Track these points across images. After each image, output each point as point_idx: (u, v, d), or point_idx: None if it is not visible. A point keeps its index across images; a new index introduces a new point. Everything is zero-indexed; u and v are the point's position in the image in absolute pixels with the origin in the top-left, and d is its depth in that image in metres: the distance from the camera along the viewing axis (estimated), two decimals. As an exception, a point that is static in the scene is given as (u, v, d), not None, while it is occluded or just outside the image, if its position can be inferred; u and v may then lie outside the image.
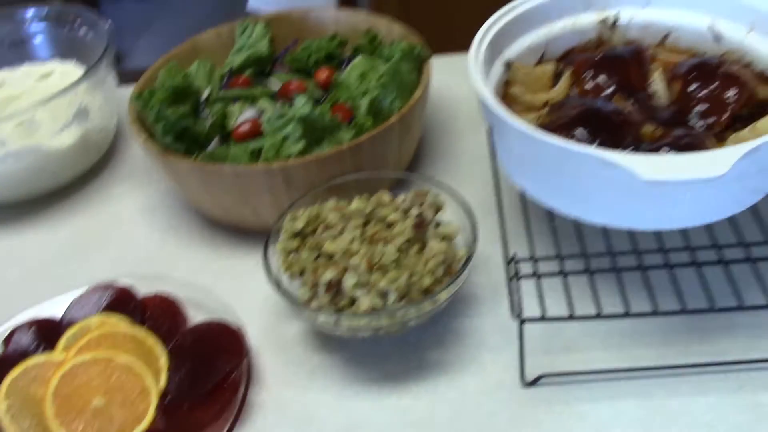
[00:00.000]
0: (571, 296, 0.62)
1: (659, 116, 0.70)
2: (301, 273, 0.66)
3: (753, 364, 0.63)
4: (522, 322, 0.60)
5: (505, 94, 0.74)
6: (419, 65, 0.84)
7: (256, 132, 0.80)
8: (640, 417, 0.61)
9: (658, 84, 0.73)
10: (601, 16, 0.78)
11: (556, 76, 0.76)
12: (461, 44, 0.70)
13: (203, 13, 2.80)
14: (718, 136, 0.68)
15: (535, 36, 0.77)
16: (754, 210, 0.65)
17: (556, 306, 0.62)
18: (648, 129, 0.68)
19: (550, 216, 0.68)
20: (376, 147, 0.76)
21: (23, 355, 0.65)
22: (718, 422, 0.60)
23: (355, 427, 0.63)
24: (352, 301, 0.63)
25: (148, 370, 0.62)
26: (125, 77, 0.96)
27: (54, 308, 0.72)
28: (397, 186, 0.75)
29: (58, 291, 0.73)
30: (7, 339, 0.69)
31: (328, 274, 0.63)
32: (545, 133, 0.61)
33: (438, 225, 0.69)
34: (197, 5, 3.00)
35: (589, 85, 0.73)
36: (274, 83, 0.89)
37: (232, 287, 0.75)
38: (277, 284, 0.66)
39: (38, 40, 1.01)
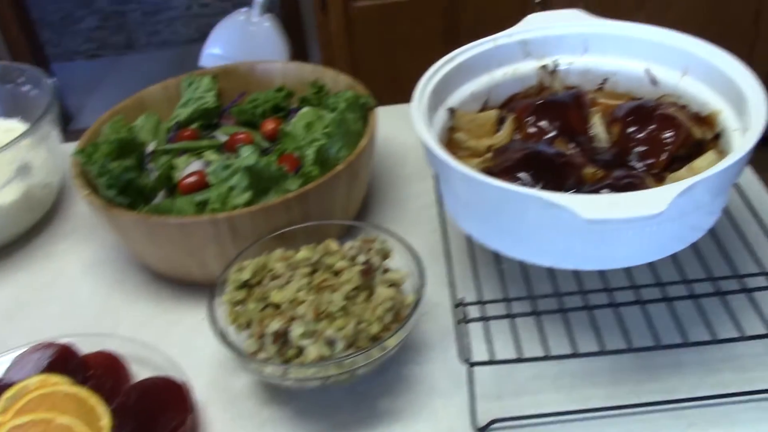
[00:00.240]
0: (519, 338, 0.62)
1: (600, 158, 0.72)
2: (248, 325, 0.65)
3: (701, 401, 0.63)
4: (471, 365, 0.60)
5: (450, 140, 0.75)
6: (365, 114, 0.84)
7: (202, 184, 0.79)
8: (593, 459, 0.61)
9: (598, 127, 0.75)
10: (541, 63, 0.80)
11: (500, 122, 0.77)
12: (410, 96, 0.71)
13: (155, 71, 2.81)
14: (657, 176, 0.69)
15: (478, 83, 0.79)
16: (695, 247, 0.66)
17: (505, 349, 0.62)
18: (589, 171, 0.70)
19: (498, 260, 0.69)
20: (323, 195, 0.76)
21: (-41, 419, 0.63)
22: (670, 461, 0.60)
23: (306, 481, 0.62)
24: (300, 351, 0.62)
25: (89, 431, 0.60)
26: (74, 136, 0.95)
27: (-7, 369, 0.69)
28: (345, 234, 0.75)
29: (-2, 351, 0.71)
30: (-58, 403, 0.66)
31: (275, 324, 0.62)
32: (489, 176, 0.62)
33: (386, 271, 0.68)
34: (149, 63, 3.01)
35: (531, 130, 0.75)
36: (221, 136, 0.89)
37: (179, 341, 0.73)
38: (223, 336, 0.64)
39: (-18, 97, 1.00)
